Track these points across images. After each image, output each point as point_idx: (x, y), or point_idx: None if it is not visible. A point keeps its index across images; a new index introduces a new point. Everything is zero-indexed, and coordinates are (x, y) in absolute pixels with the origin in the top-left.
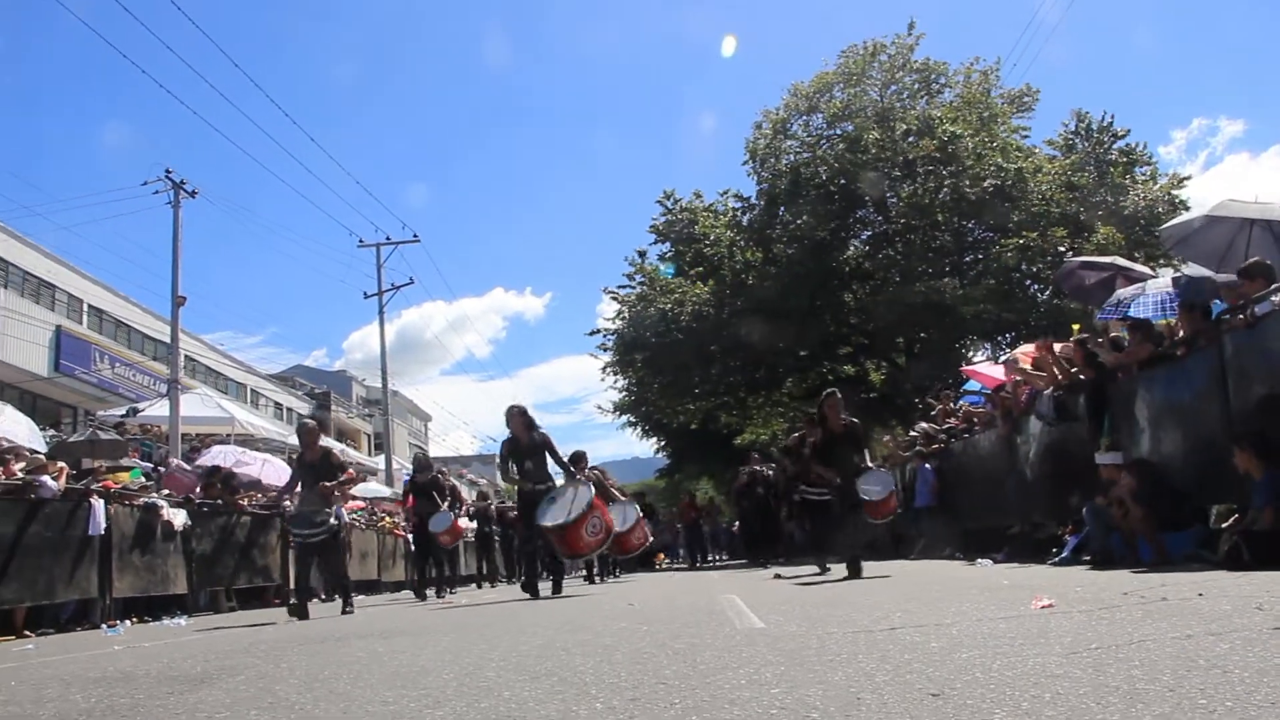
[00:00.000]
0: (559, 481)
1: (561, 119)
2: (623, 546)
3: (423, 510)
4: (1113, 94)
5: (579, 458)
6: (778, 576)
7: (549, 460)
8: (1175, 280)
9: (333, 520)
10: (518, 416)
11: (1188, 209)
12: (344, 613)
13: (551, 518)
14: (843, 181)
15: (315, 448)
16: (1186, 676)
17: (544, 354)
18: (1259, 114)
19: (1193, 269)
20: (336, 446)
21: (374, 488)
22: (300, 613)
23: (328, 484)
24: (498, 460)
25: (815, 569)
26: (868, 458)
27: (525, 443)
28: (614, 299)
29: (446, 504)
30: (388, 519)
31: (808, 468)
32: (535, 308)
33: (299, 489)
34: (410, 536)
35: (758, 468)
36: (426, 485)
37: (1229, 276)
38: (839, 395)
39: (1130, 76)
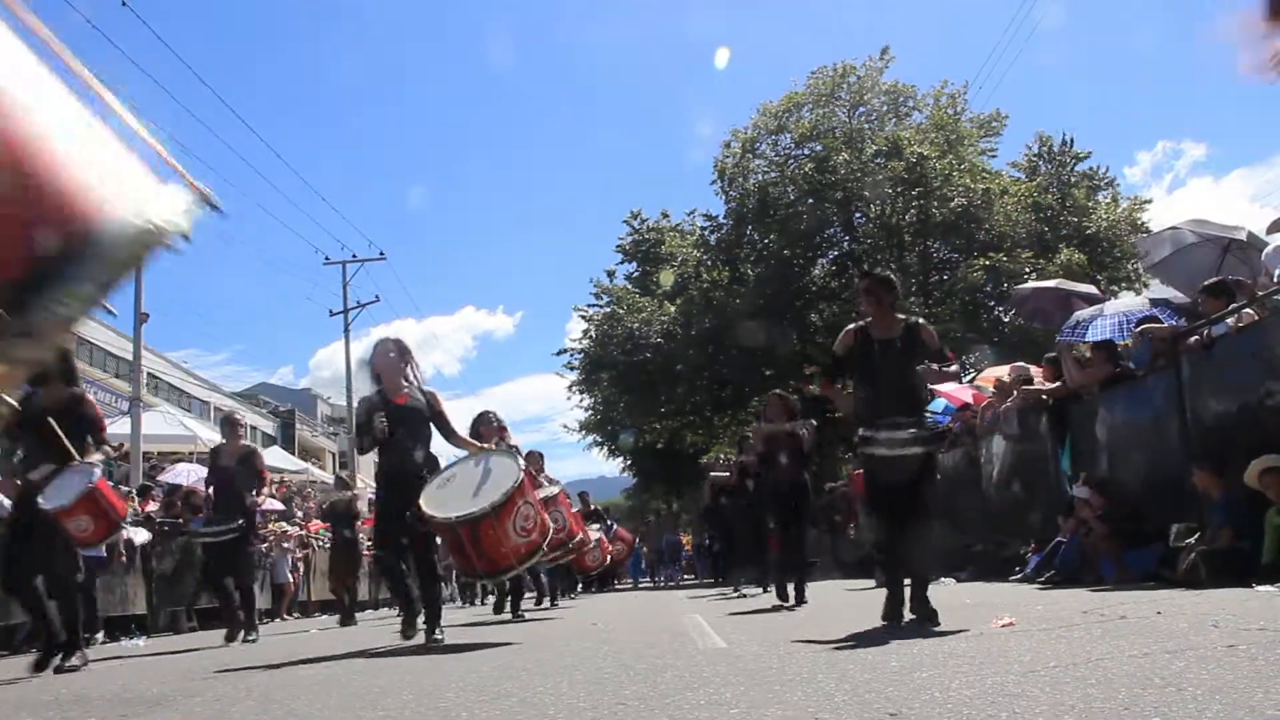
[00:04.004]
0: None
1: (542, 136)
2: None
3: (29, 466)
4: (1078, 116)
5: (483, 420)
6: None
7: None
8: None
9: None
10: (386, 355)
11: (1149, 232)
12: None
13: (447, 507)
14: (810, 201)
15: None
16: (1141, 695)
17: (512, 372)
18: (1221, 138)
19: (1158, 290)
20: None
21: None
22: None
23: None
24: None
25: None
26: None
27: (396, 400)
28: (583, 317)
29: (99, 454)
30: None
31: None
32: (506, 326)
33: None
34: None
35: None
36: (40, 410)
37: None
38: None
39: (1096, 98)
